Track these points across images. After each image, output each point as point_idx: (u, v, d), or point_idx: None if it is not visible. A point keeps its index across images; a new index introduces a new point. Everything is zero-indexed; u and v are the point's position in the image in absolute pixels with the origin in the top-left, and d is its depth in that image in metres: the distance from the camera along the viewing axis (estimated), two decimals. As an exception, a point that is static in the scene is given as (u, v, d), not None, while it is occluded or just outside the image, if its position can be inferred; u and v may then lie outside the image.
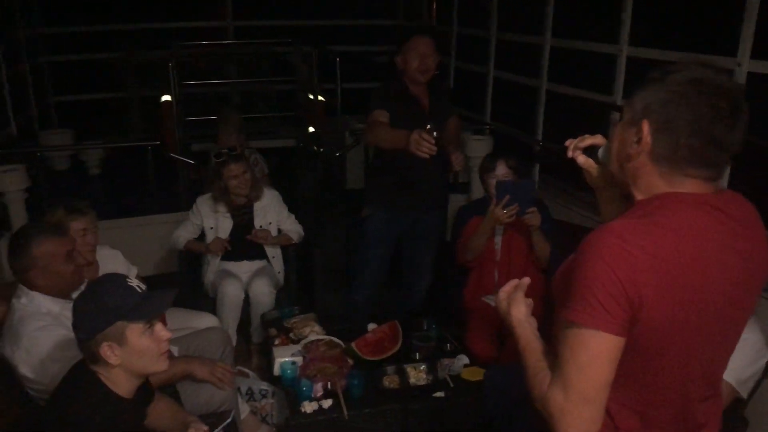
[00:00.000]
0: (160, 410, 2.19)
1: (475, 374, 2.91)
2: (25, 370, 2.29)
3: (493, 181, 3.24)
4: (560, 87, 4.56)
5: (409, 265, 3.73)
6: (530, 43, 4.85)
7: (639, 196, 1.43)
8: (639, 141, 1.38)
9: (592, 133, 1.67)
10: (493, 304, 3.27)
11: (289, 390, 2.86)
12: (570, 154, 1.69)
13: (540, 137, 4.62)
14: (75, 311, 1.82)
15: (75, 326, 1.82)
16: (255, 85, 7.14)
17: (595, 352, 1.31)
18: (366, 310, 3.66)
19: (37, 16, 6.37)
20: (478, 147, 4.83)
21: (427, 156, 2.79)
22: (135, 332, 1.81)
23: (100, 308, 1.78)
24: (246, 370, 3.46)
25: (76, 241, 2.56)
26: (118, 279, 1.87)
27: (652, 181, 1.40)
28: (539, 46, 4.65)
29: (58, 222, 2.78)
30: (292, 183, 5.20)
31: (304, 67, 6.53)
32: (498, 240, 3.32)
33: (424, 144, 2.75)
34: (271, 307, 3.64)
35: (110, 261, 3.11)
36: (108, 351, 1.79)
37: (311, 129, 5.79)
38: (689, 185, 1.37)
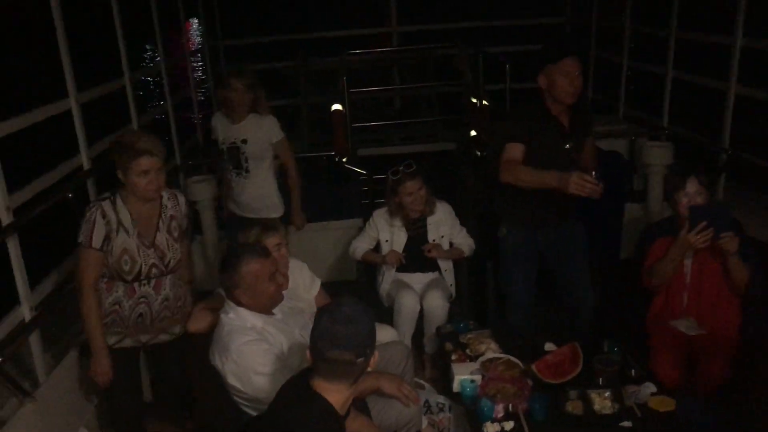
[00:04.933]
0: (357, 426, 2.29)
1: (664, 404, 2.76)
2: (233, 380, 2.51)
3: (684, 201, 3.06)
4: (750, 90, 4.22)
5: (562, 283, 3.55)
6: (716, 43, 4.53)
7: None
8: None
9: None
10: (682, 329, 3.16)
11: (469, 408, 2.89)
12: None
13: (727, 144, 4.30)
14: (349, 341, 1.94)
15: (358, 354, 1.95)
16: (419, 90, 7.22)
17: None
18: (528, 330, 3.51)
19: (217, 30, 6.83)
20: (657, 154, 4.61)
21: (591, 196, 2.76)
22: None
23: (370, 329, 1.99)
24: (421, 382, 3.53)
25: (277, 261, 2.73)
26: (352, 300, 2.06)
27: None
28: (726, 46, 4.33)
29: (255, 240, 2.97)
30: (450, 188, 5.18)
31: (469, 70, 6.50)
32: (688, 263, 3.14)
33: (587, 186, 2.69)
34: (444, 320, 3.68)
35: (298, 273, 3.26)
36: (374, 360, 2.03)
37: (473, 132, 5.76)
38: None
